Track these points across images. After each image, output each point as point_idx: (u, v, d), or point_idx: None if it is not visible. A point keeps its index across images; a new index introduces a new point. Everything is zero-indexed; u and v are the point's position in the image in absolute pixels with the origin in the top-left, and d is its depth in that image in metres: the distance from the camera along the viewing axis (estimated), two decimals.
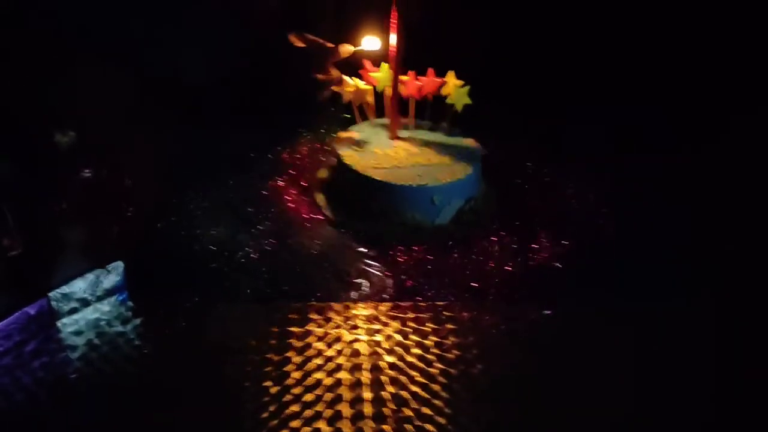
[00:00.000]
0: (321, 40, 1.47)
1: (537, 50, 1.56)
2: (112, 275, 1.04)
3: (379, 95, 1.37)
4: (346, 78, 1.33)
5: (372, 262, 1.16)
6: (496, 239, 1.21)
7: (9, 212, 0.97)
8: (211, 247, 1.15)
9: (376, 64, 1.37)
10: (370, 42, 1.40)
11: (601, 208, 1.30)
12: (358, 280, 1.13)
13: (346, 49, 1.42)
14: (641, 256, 1.18)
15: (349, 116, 1.51)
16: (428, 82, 1.35)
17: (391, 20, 1.24)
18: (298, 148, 1.44)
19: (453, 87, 1.34)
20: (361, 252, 1.18)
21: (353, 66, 1.42)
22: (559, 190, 1.35)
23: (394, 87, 1.32)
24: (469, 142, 1.38)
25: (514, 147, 1.47)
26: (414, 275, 1.13)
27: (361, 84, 1.33)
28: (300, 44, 1.45)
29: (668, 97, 1.51)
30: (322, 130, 1.50)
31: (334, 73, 1.46)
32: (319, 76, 1.45)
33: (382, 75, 1.34)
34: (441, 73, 1.34)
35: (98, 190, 1.13)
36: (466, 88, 1.33)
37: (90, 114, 1.22)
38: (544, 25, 1.57)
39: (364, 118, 1.39)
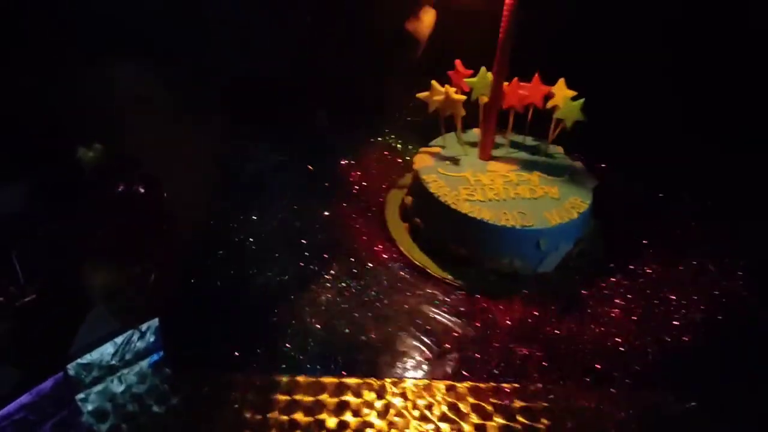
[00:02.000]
0: None
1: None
2: (147, 335, 0.82)
3: (469, 103, 1.11)
4: (435, 84, 1.07)
5: (461, 324, 0.93)
6: (615, 299, 0.97)
7: (17, 258, 0.75)
8: (268, 293, 0.93)
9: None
10: None
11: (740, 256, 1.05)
12: None
13: None
14: None
15: (422, 120, 1.27)
16: (533, 90, 1.09)
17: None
18: (366, 161, 1.21)
19: (563, 99, 1.08)
20: (448, 307, 0.96)
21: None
22: (689, 233, 1.11)
23: (494, 96, 1.07)
24: (577, 166, 1.13)
25: (620, 169, 1.22)
26: (517, 345, 0.91)
27: (453, 92, 1.07)
28: None
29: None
30: (393, 137, 1.27)
31: (429, 15, 1.17)
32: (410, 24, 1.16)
33: (478, 80, 1.09)
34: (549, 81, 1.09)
35: (131, 218, 0.91)
36: (580, 101, 1.07)
37: (118, 120, 0.99)
38: None
39: (450, 131, 1.14)
